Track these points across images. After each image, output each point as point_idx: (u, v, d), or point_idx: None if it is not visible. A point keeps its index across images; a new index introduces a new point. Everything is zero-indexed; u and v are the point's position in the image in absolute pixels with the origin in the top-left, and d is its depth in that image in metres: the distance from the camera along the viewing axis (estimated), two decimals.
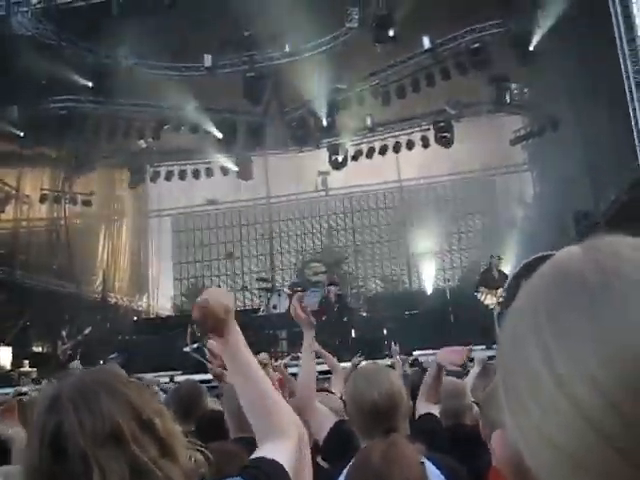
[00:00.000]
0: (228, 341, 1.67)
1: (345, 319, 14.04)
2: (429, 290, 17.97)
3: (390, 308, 16.68)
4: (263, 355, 6.85)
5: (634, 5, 13.45)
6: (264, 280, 19.35)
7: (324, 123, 17.98)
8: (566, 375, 0.52)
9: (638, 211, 13.43)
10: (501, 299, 13.05)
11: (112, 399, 1.33)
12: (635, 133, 13.28)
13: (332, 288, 14.23)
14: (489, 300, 13.38)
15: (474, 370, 6.06)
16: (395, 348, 8.48)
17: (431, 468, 2.30)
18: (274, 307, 16.26)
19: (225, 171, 20.86)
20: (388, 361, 8.82)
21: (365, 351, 10.94)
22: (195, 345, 14.43)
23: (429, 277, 19.36)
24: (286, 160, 21.70)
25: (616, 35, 13.51)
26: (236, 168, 21.11)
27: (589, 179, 17.79)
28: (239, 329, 1.70)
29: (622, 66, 13.45)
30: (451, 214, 21.87)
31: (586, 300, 0.54)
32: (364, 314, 18.09)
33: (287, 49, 16.39)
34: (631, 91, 13.34)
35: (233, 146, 19.43)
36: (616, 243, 0.59)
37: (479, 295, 13.51)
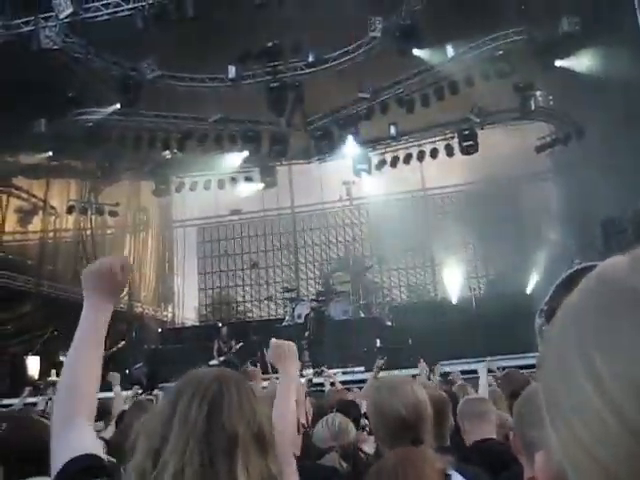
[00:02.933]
0: (285, 374, 2.53)
1: (324, 332, 14.08)
2: (455, 299, 17.84)
3: (416, 317, 16.59)
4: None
5: None
6: (289, 290, 19.38)
7: (348, 132, 17.99)
8: (613, 391, 0.49)
9: None
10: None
11: (258, 404, 1.41)
12: None
13: (313, 303, 14.43)
14: None
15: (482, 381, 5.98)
16: (423, 364, 8.42)
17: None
18: (299, 317, 16.28)
19: (249, 181, 20.93)
20: (415, 371, 8.79)
21: (391, 362, 10.96)
22: (222, 358, 14.54)
23: (455, 286, 19.21)
24: (310, 170, 21.72)
25: None
26: (260, 178, 21.20)
27: (615, 186, 17.59)
28: (294, 374, 2.58)
29: None
30: (476, 222, 21.71)
31: (635, 312, 0.51)
32: (389, 324, 18.01)
33: (310, 59, 16.42)
34: None
35: (257, 156, 19.50)
36: None
37: None
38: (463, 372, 10.90)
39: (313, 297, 16.10)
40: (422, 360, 8.66)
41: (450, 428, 3.20)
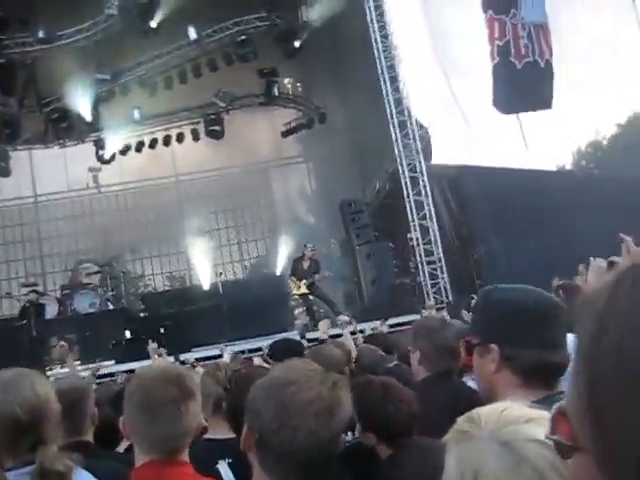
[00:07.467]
0: None
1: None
2: (206, 285, 17.71)
3: (169, 306, 16.28)
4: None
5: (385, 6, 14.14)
6: (30, 285, 18.01)
7: (88, 116, 16.95)
8: None
9: (397, 201, 14.20)
10: (306, 290, 12.70)
11: None
12: (391, 124, 13.96)
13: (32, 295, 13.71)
14: (295, 290, 13.07)
15: None
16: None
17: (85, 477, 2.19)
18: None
19: None
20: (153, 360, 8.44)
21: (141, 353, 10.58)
22: None
23: (206, 272, 19.07)
24: (52, 156, 20.21)
25: (371, 32, 14.11)
26: None
27: (358, 169, 18.59)
28: None
29: (377, 61, 14.07)
30: (230, 208, 21.85)
31: None
32: (141, 314, 17.51)
33: (41, 35, 15.17)
34: (386, 84, 14.00)
35: None
36: None
37: (290, 283, 13.22)
38: (210, 357, 10.91)
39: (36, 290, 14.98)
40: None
41: (93, 418, 2.94)
